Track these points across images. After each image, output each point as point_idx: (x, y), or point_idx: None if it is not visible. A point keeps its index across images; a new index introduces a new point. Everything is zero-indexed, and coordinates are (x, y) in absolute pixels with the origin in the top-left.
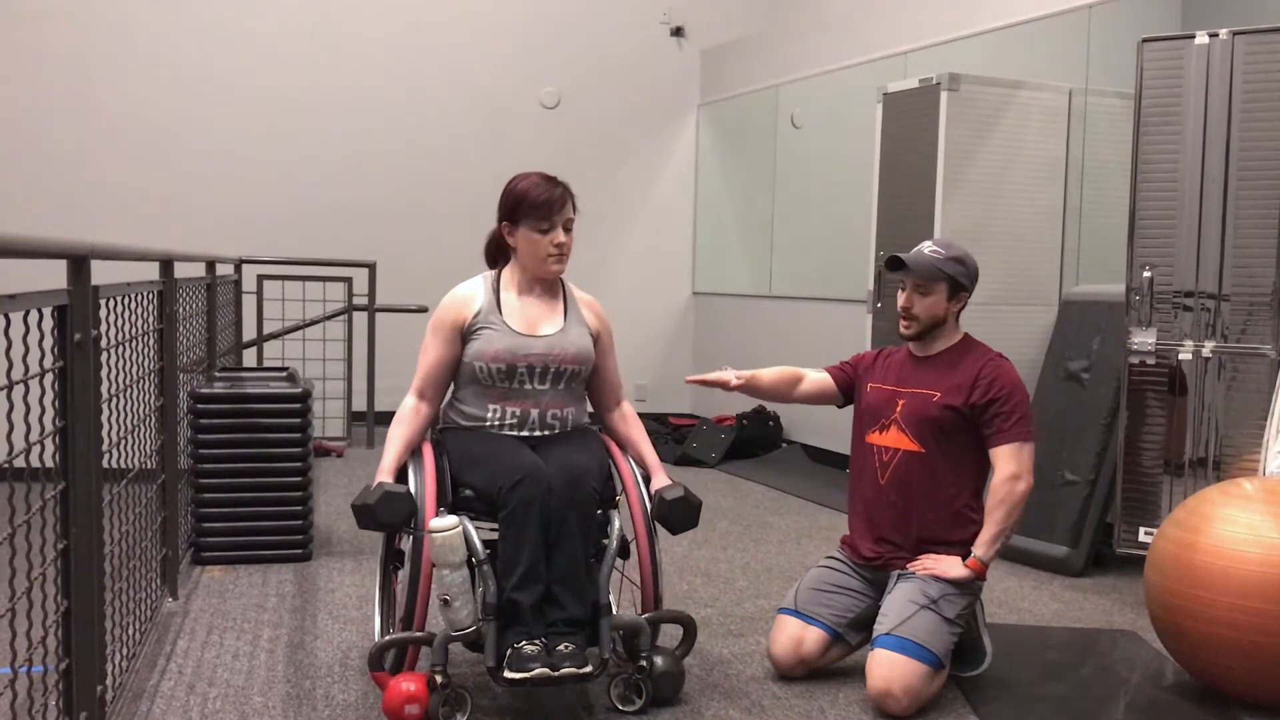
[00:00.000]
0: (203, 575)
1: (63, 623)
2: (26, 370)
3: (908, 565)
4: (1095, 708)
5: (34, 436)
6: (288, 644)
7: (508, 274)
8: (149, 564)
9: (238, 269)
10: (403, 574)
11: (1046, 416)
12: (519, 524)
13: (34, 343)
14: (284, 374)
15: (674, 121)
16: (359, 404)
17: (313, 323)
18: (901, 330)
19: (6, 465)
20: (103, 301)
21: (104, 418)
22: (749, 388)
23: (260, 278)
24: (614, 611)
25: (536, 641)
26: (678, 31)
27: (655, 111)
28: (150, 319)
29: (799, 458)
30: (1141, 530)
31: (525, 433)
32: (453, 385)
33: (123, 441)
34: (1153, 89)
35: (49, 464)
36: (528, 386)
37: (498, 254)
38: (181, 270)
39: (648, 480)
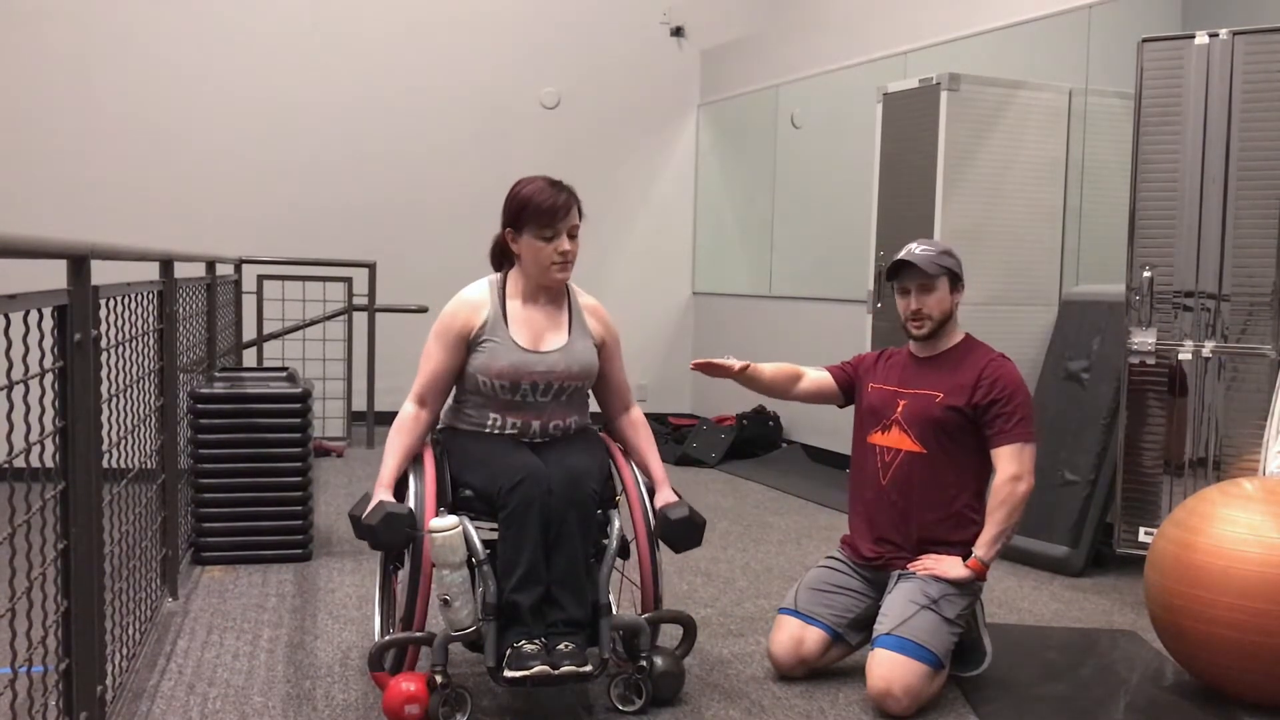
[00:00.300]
0: (203, 575)
1: (63, 623)
2: (26, 370)
3: (908, 565)
4: (1095, 708)
5: (34, 436)
6: (288, 644)
7: (512, 280)
8: (149, 564)
9: (238, 269)
10: (403, 574)
11: (1046, 416)
12: (519, 525)
13: (34, 343)
14: (284, 374)
15: (674, 121)
16: (359, 404)
17: (313, 323)
18: (914, 332)
19: (6, 465)
20: (103, 301)
21: (104, 418)
22: (749, 377)
23: (260, 278)
24: (614, 611)
25: (536, 641)
26: (678, 31)
27: (655, 111)
28: (150, 319)
29: (799, 458)
30: (1141, 530)
31: (526, 440)
32: (454, 389)
33: (123, 441)
34: (1153, 89)
35: (49, 464)
36: (530, 400)
37: (502, 258)
38: (181, 270)
39: (652, 492)
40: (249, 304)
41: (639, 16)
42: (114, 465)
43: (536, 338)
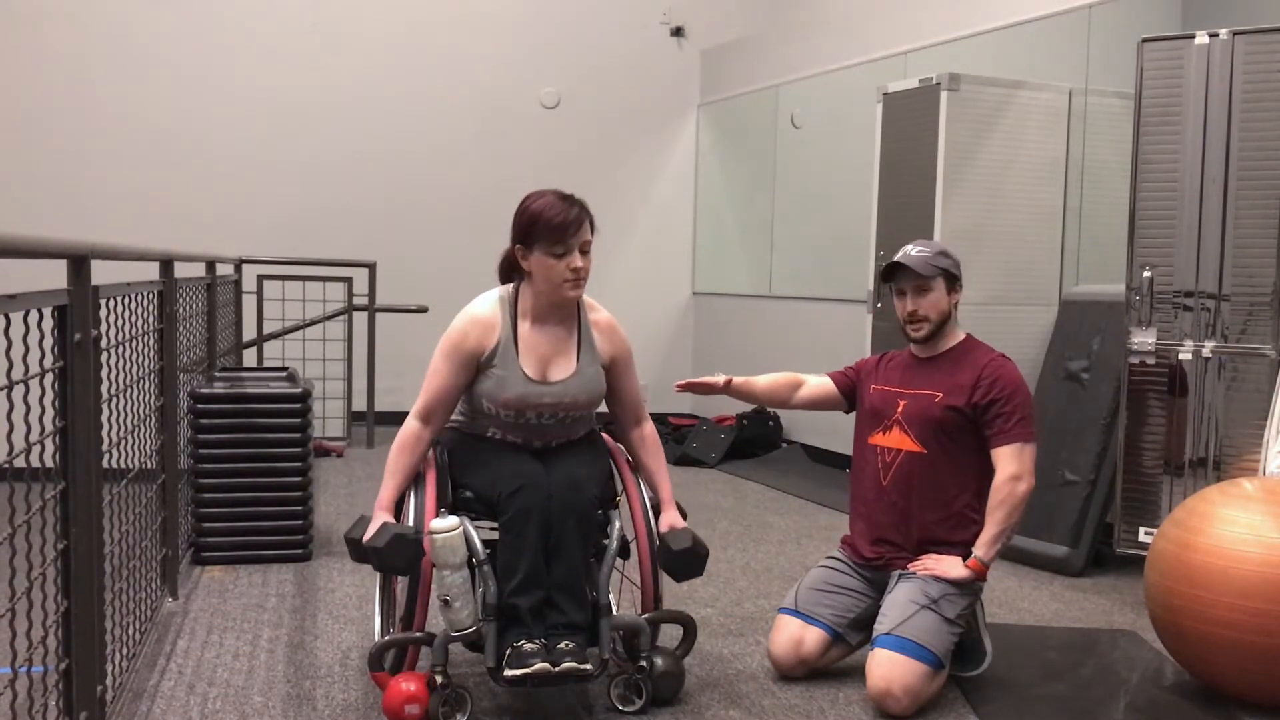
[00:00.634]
0: (203, 575)
1: (63, 623)
2: (26, 370)
3: (908, 565)
4: (1095, 708)
5: (34, 436)
6: (288, 644)
7: (523, 296)
8: (149, 564)
9: (238, 269)
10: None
11: (1046, 416)
12: (518, 531)
13: (34, 343)
14: (284, 374)
15: (674, 121)
16: (359, 404)
17: (313, 323)
18: (913, 334)
19: (6, 465)
20: (103, 301)
21: (104, 418)
22: (740, 390)
23: (260, 278)
24: (614, 612)
25: (536, 640)
26: (678, 31)
27: (655, 111)
28: (150, 319)
29: (799, 458)
30: (1141, 530)
31: (528, 447)
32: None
33: (123, 441)
34: (1153, 89)
35: (49, 464)
36: (534, 423)
37: (511, 273)
38: (181, 270)
39: (658, 512)
40: (249, 304)
41: (639, 16)
42: (114, 465)
43: (545, 366)
